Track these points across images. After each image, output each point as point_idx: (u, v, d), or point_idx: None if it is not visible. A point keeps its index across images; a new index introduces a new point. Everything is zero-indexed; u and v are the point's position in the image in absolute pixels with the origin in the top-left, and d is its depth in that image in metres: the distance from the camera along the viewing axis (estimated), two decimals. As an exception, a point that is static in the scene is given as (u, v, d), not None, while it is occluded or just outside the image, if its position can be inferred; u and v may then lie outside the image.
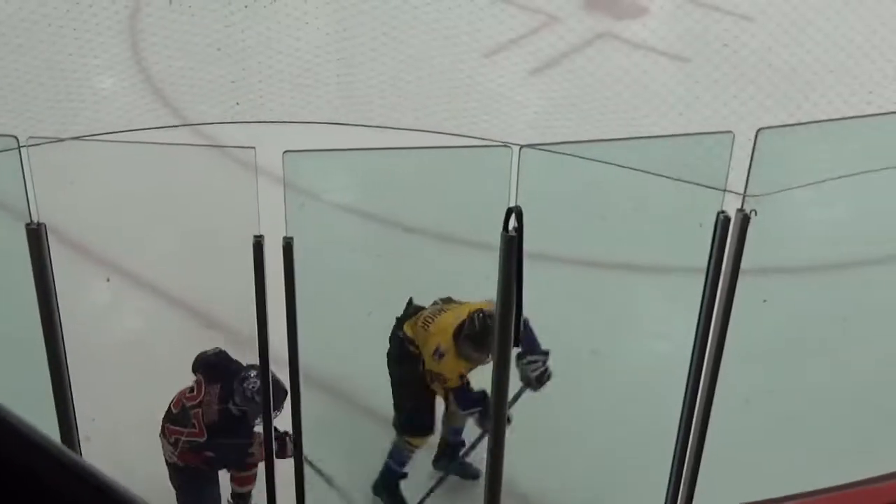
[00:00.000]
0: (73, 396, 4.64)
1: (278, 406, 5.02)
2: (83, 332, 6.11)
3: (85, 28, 9.66)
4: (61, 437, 4.55)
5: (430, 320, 5.69)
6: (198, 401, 5.53)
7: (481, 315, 5.44)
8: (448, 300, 5.92)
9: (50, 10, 9.69)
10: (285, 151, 4.73)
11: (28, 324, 4.61)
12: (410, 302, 5.92)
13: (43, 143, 7.14)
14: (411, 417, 5.81)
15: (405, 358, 5.74)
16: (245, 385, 5.43)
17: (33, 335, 4.59)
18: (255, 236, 4.65)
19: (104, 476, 0.98)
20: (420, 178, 6.64)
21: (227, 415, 5.48)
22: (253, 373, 5.35)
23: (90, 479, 0.97)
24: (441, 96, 8.94)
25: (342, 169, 7.44)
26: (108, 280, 7.29)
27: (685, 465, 5.06)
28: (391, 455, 5.95)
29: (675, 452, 5.07)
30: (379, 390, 6.28)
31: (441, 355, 5.54)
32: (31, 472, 0.97)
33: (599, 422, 5.32)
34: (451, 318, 5.61)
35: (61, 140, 7.72)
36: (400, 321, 5.85)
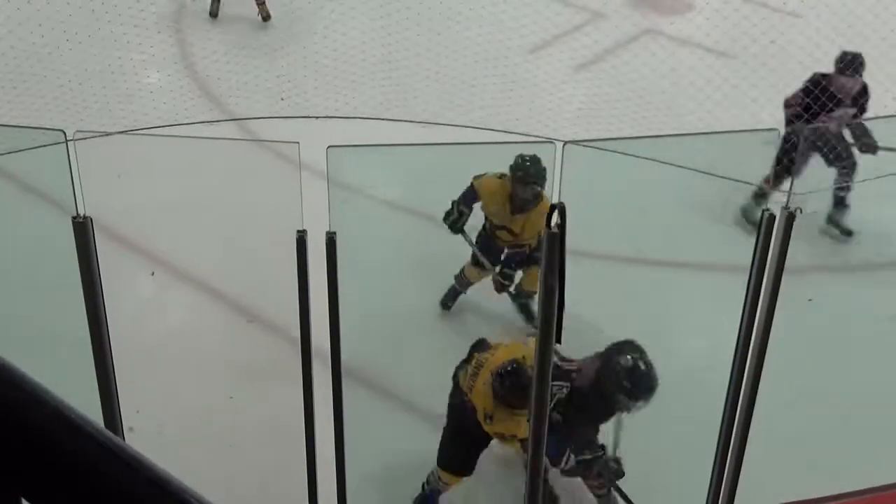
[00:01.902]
0: (118, 388, 4.68)
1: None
2: (128, 324, 6.18)
3: (132, 23, 9.74)
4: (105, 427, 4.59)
5: (473, 378, 5.60)
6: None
7: (501, 376, 5.39)
8: (482, 345, 5.80)
9: (97, 4, 9.77)
10: (329, 147, 4.74)
11: (74, 316, 4.66)
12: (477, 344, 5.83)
13: (90, 138, 7.22)
14: (454, 456, 5.77)
15: (459, 406, 5.68)
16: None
17: (79, 327, 4.63)
18: (298, 231, 4.66)
19: (158, 467, 0.98)
20: (463, 173, 6.64)
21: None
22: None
23: (145, 471, 0.97)
24: (485, 92, 8.92)
25: (385, 164, 7.46)
26: (152, 274, 7.35)
27: (727, 463, 5.03)
28: (428, 481, 5.93)
29: (717, 451, 5.03)
30: (418, 387, 6.29)
31: (491, 418, 5.51)
32: (87, 462, 0.97)
33: (641, 418, 5.29)
34: (487, 378, 5.52)
35: (108, 134, 7.81)
36: (458, 367, 5.77)
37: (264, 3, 10.24)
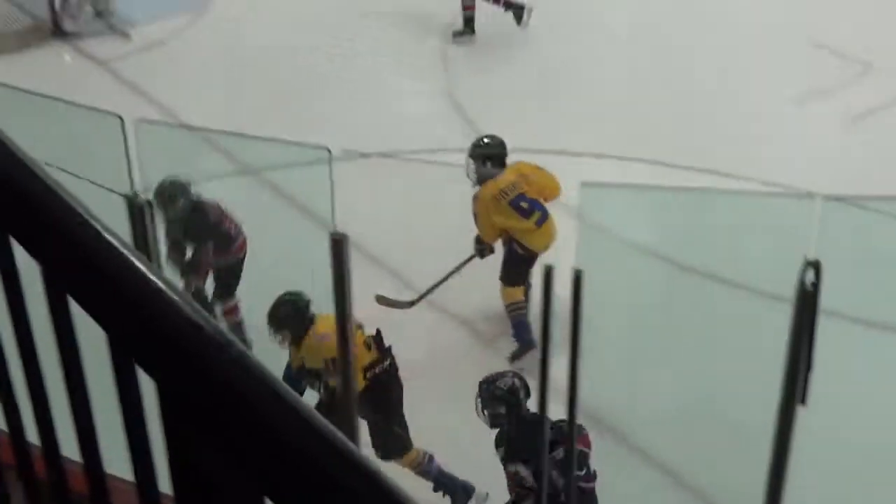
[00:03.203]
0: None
1: None
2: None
3: (404, 53, 10.09)
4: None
5: None
6: None
7: None
8: None
9: (379, 33, 10.18)
10: (582, 183, 4.76)
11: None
12: None
13: (352, 158, 7.51)
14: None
15: None
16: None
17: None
18: (545, 266, 4.68)
19: (379, 470, 1.01)
20: (716, 220, 6.50)
21: None
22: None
23: (366, 471, 1.00)
24: (743, 139, 8.72)
25: (637, 205, 7.39)
26: (413, 305, 7.39)
27: None
28: None
29: None
30: (656, 433, 6.17)
31: None
32: (311, 458, 1.01)
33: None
34: None
35: (367, 156, 8.09)
36: None
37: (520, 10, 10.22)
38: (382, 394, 6.04)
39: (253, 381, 1.00)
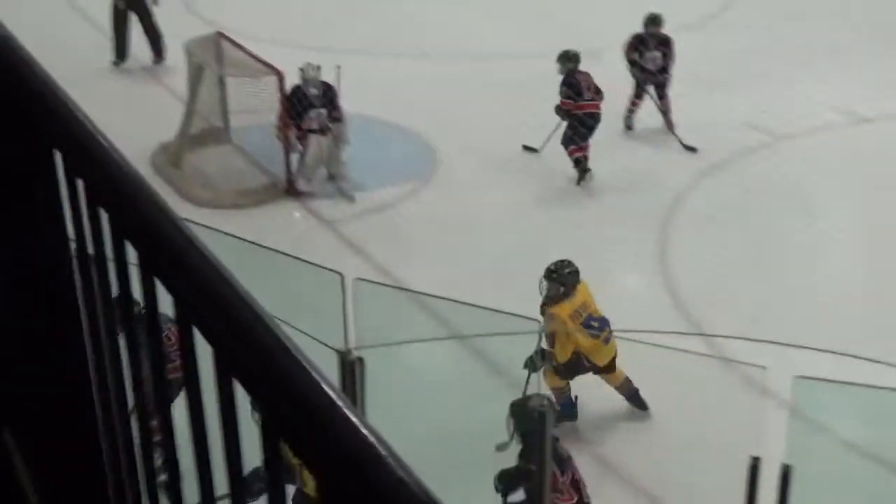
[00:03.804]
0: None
1: None
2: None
3: (622, 226, 10.14)
4: None
5: None
6: None
7: None
8: None
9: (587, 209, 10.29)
10: (796, 376, 4.63)
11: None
12: None
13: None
14: None
15: None
16: None
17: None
18: (752, 457, 4.54)
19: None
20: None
21: None
22: None
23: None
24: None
25: (852, 402, 7.10)
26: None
27: None
28: None
29: None
30: None
31: None
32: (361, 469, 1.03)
33: None
34: None
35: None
36: None
37: None
38: None
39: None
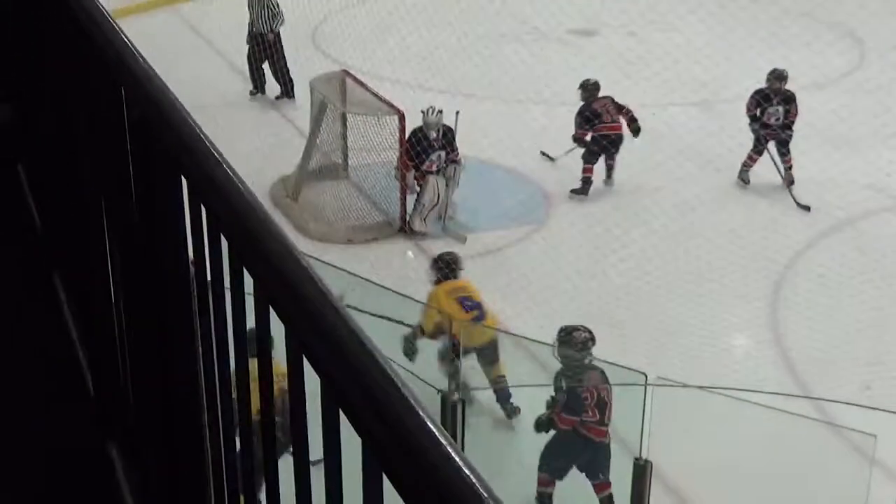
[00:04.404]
0: None
1: None
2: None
3: (728, 287, 10.01)
4: None
5: None
6: None
7: None
8: None
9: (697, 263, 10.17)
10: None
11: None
12: None
13: (667, 386, 7.44)
14: None
15: None
16: None
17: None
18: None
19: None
20: None
21: None
22: None
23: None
24: None
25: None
26: None
27: None
28: None
29: None
30: None
31: None
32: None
33: None
34: None
35: (685, 386, 7.97)
36: None
37: None
38: None
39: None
